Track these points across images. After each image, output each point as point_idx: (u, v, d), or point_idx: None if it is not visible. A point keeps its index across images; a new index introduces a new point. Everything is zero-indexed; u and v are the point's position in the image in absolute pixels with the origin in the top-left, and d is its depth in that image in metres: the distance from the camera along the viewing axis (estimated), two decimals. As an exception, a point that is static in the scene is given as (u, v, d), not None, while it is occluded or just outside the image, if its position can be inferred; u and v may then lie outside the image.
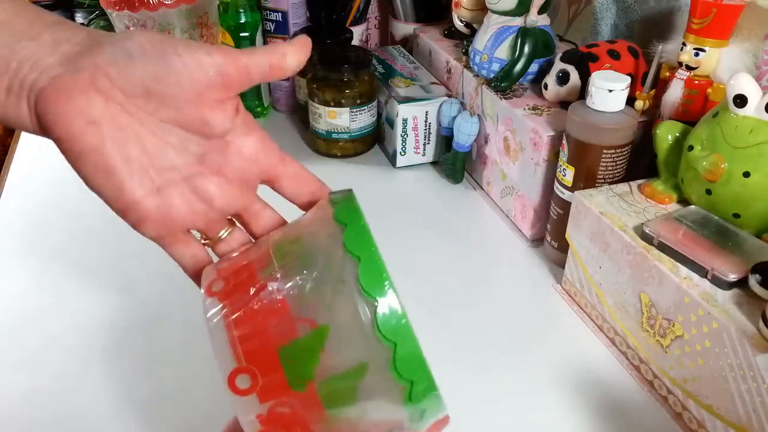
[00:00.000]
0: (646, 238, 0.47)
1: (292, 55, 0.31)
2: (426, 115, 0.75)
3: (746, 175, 0.45)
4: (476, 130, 0.70)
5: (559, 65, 0.62)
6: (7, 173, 0.77)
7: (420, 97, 0.74)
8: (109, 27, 0.87)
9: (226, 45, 0.84)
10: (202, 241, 0.34)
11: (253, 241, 0.35)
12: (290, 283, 0.29)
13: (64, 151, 0.29)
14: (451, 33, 0.83)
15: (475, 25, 0.77)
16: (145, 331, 0.54)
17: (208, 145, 0.31)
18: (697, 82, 0.54)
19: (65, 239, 0.65)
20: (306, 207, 0.36)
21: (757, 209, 0.46)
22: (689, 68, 0.53)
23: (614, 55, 0.62)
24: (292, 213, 0.38)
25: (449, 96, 0.75)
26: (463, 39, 0.80)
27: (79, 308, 0.56)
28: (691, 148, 0.48)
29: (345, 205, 0.31)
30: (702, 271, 0.44)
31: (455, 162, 0.73)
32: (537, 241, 0.65)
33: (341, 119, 0.76)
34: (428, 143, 0.77)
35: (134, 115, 0.29)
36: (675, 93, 0.55)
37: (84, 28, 0.30)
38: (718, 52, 0.52)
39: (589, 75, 0.55)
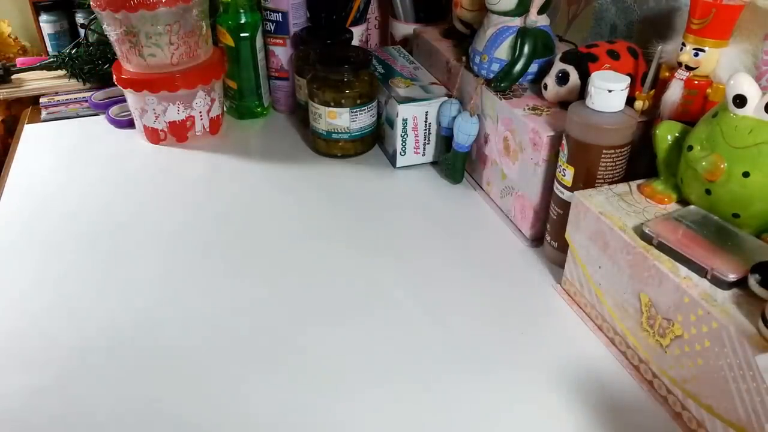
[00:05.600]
0: (646, 238, 0.47)
1: None
2: (426, 115, 0.75)
3: (746, 175, 0.45)
4: (476, 130, 0.70)
5: (558, 65, 0.62)
6: (7, 173, 0.78)
7: (420, 98, 0.74)
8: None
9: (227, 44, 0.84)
10: None
11: None
12: None
13: None
14: (451, 33, 0.83)
15: (475, 26, 0.77)
16: (145, 331, 0.54)
17: None
18: (696, 82, 0.54)
19: (65, 239, 0.65)
20: None
21: (757, 209, 0.46)
22: (689, 68, 0.53)
23: (614, 55, 0.62)
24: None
25: (449, 96, 0.75)
26: (462, 39, 0.80)
27: (79, 308, 0.57)
28: (690, 148, 0.48)
29: None
30: (701, 271, 0.44)
31: (455, 162, 0.73)
32: (537, 241, 0.65)
33: (341, 119, 0.77)
34: (428, 143, 0.77)
35: None
36: (674, 93, 0.55)
37: None
38: (718, 53, 0.52)
39: (589, 75, 0.55)
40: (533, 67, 0.67)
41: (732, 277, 0.42)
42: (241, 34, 0.83)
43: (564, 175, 0.57)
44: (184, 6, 0.74)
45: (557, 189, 0.59)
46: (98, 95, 0.92)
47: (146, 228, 0.67)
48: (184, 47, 0.77)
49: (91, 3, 0.73)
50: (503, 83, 0.66)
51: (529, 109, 0.63)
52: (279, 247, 0.64)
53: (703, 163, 0.47)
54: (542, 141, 0.59)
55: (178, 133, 0.83)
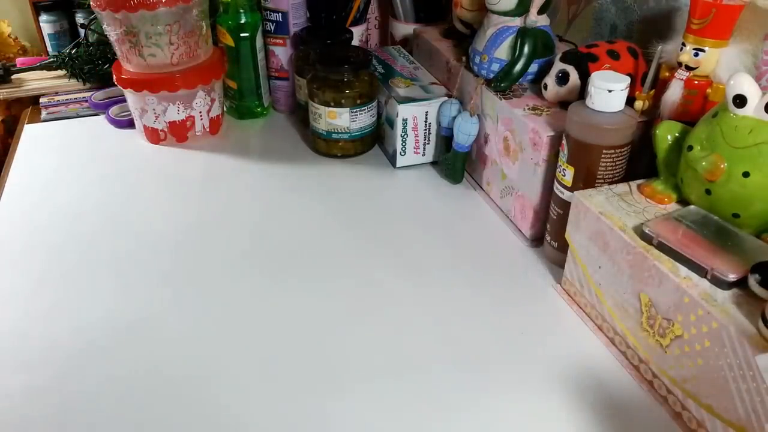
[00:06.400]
0: (646, 238, 0.47)
1: None
2: (426, 115, 0.75)
3: (746, 175, 0.45)
4: (476, 131, 0.70)
5: (558, 65, 0.62)
6: (7, 173, 0.78)
7: (420, 98, 0.74)
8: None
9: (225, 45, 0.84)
10: None
11: None
12: None
13: None
14: (451, 33, 0.83)
15: (475, 26, 0.77)
16: (145, 331, 0.54)
17: None
18: (696, 82, 0.54)
19: (65, 239, 0.65)
20: None
21: (757, 209, 0.46)
22: (689, 68, 0.53)
23: (614, 55, 0.62)
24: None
25: (449, 96, 0.75)
26: (462, 39, 0.80)
27: (79, 308, 0.57)
28: (690, 148, 0.48)
29: None
30: (701, 271, 0.44)
31: (455, 162, 0.73)
32: (537, 241, 0.65)
33: (341, 119, 0.77)
34: (428, 143, 0.77)
35: None
36: (674, 93, 0.55)
37: None
38: (718, 53, 0.52)
39: (589, 75, 0.55)
40: (533, 67, 0.67)
41: (732, 277, 0.42)
42: (241, 34, 0.83)
43: (564, 175, 0.57)
44: (184, 6, 0.74)
45: (557, 189, 0.59)
46: (98, 95, 0.92)
47: (146, 228, 0.67)
48: (184, 47, 0.77)
49: (91, 3, 0.73)
50: (503, 83, 0.66)
51: (529, 109, 0.63)
52: (279, 246, 0.64)
53: (703, 163, 0.47)
54: (542, 141, 0.59)
55: (178, 133, 0.83)
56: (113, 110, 0.88)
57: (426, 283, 0.60)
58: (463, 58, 0.75)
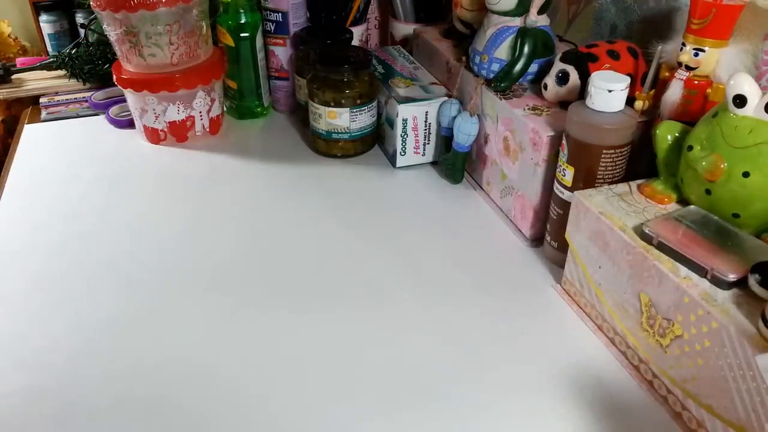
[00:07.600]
0: (646, 238, 0.47)
1: None
2: (426, 115, 0.75)
3: (746, 175, 0.45)
4: (476, 131, 0.70)
5: (558, 65, 0.62)
6: (7, 173, 0.78)
7: (420, 98, 0.74)
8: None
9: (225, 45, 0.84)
10: None
11: None
12: None
13: None
14: (451, 33, 0.83)
15: (475, 26, 0.77)
16: (145, 331, 0.54)
17: None
18: (696, 82, 0.54)
19: (65, 239, 0.65)
20: None
21: (757, 209, 0.46)
22: (689, 68, 0.53)
23: (614, 55, 0.62)
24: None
25: (449, 96, 0.75)
26: (462, 39, 0.80)
27: (79, 308, 0.57)
28: (690, 148, 0.48)
29: None
30: (701, 271, 0.44)
31: (455, 162, 0.73)
32: (537, 241, 0.65)
33: (341, 119, 0.77)
34: (428, 143, 0.77)
35: None
36: (674, 93, 0.55)
37: None
38: (718, 53, 0.52)
39: (589, 75, 0.55)
40: (533, 67, 0.67)
41: (732, 277, 0.42)
42: (241, 34, 0.83)
43: (564, 175, 0.57)
44: (184, 6, 0.74)
45: (557, 189, 0.59)
46: (98, 95, 0.92)
47: (146, 228, 0.67)
48: (184, 47, 0.77)
49: (91, 3, 0.73)
50: (503, 83, 0.66)
51: (529, 109, 0.63)
52: (278, 247, 0.64)
53: (703, 163, 0.47)
54: (542, 141, 0.59)
55: (178, 133, 0.83)
56: (113, 110, 0.88)
57: (426, 283, 0.60)
58: (463, 58, 0.75)
